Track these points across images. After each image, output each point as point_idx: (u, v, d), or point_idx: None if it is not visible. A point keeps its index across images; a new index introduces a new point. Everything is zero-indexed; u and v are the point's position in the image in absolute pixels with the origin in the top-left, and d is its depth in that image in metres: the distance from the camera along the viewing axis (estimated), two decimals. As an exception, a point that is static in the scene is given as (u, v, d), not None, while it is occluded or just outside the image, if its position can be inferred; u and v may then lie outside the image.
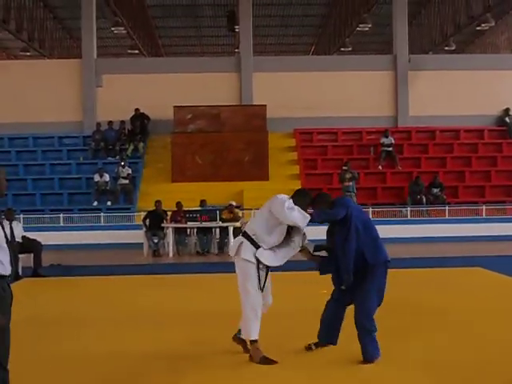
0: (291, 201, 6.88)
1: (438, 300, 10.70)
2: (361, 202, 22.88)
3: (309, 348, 7.26)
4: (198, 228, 19.18)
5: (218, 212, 18.85)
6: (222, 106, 25.66)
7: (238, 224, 18.58)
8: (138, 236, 19.76)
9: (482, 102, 26.83)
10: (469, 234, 21.12)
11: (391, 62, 27.24)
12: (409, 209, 22.56)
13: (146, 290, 12.51)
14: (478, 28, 35.95)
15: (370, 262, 6.83)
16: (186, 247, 19.53)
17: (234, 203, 19.53)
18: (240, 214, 19.36)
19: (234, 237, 18.43)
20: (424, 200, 23.07)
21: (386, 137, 25.13)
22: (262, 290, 6.92)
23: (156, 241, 19.01)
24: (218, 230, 19.18)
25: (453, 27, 36.97)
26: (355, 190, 22.88)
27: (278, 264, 6.98)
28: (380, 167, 24.83)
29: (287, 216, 6.70)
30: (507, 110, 26.63)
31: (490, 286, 12.48)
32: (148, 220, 19.31)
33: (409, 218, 22.34)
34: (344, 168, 23.08)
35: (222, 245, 19.06)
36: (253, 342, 6.91)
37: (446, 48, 36.73)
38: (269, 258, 6.91)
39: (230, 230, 18.28)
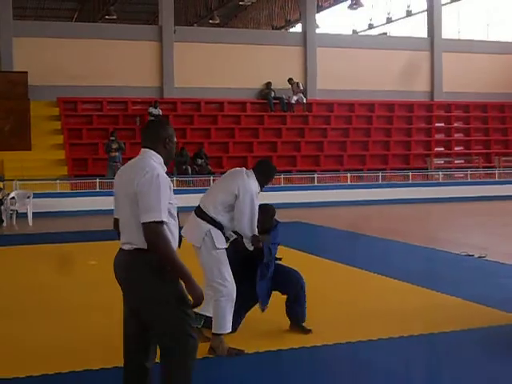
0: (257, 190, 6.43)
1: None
2: (127, 173, 22.79)
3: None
4: (-46, 200, 18.05)
5: (-24, 183, 17.86)
6: (-22, 71, 24.27)
7: (-2, 196, 17.79)
8: None
9: (245, 75, 27.63)
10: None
11: (157, 33, 27.18)
12: (174, 179, 22.79)
13: None
14: (240, 3, 37.07)
15: None
16: None
17: (-7, 174, 18.61)
18: (1, 185, 18.49)
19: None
20: (189, 170, 23.48)
21: (155, 107, 25.13)
22: None
23: None
24: (-24, 202, 18.18)
25: (217, 1, 37.74)
26: (121, 160, 22.74)
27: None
28: (146, 138, 24.77)
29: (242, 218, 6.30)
30: (268, 83, 27.64)
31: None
32: None
33: (175, 187, 22.57)
34: (111, 138, 22.81)
35: (-18, 217, 18.12)
36: (221, 334, 6.27)
37: (211, 21, 37.38)
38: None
39: (-10, 201, 17.43)
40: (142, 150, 4.37)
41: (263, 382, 5.74)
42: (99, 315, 7.74)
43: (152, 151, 4.33)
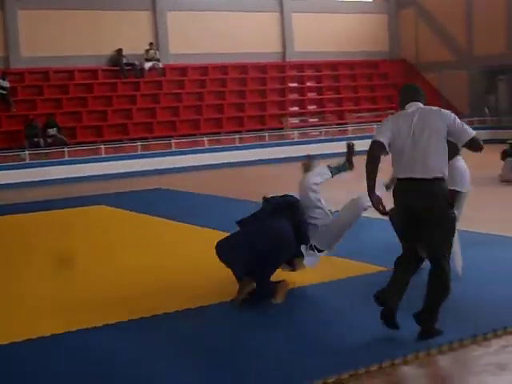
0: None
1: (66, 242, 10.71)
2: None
3: None
4: None
5: None
6: None
7: None
8: None
9: (95, 42, 26.75)
10: (89, 173, 21.35)
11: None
12: (27, 152, 22.00)
13: None
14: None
15: None
16: None
17: None
18: None
19: None
20: (42, 143, 22.70)
21: (3, 79, 24.04)
22: None
23: None
24: None
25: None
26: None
27: None
28: (-6, 111, 23.78)
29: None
30: (120, 50, 26.99)
31: (116, 221, 12.89)
32: None
33: (28, 161, 21.80)
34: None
35: None
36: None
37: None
38: None
39: None
40: (414, 103, 5.76)
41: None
42: None
43: (420, 103, 5.78)
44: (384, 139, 5.62)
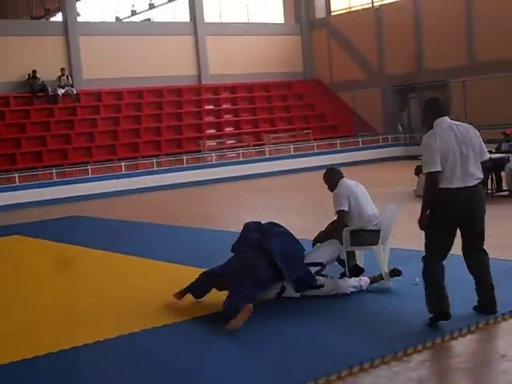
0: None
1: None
2: None
3: None
4: None
5: None
6: None
7: None
8: None
9: (6, 68, 26.29)
10: (3, 202, 20.78)
11: None
12: None
13: None
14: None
15: None
16: None
17: None
18: None
19: None
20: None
21: None
22: None
23: None
24: None
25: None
26: None
27: None
28: None
29: None
30: (34, 72, 26.44)
31: (33, 251, 12.57)
32: None
33: None
34: None
35: None
36: None
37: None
38: None
39: None
40: (443, 118, 6.29)
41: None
42: None
43: (448, 117, 6.31)
44: (438, 166, 6.11)
